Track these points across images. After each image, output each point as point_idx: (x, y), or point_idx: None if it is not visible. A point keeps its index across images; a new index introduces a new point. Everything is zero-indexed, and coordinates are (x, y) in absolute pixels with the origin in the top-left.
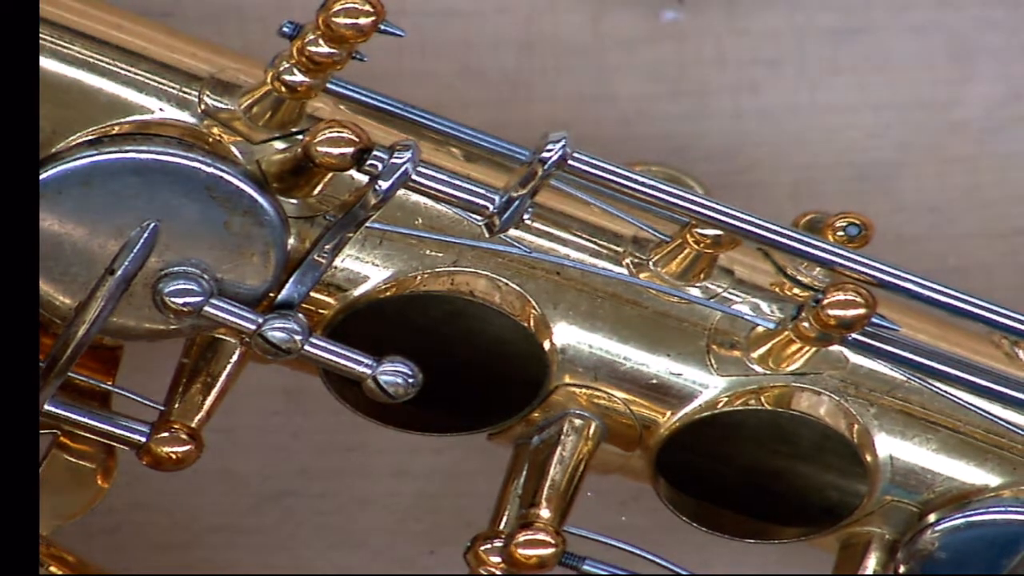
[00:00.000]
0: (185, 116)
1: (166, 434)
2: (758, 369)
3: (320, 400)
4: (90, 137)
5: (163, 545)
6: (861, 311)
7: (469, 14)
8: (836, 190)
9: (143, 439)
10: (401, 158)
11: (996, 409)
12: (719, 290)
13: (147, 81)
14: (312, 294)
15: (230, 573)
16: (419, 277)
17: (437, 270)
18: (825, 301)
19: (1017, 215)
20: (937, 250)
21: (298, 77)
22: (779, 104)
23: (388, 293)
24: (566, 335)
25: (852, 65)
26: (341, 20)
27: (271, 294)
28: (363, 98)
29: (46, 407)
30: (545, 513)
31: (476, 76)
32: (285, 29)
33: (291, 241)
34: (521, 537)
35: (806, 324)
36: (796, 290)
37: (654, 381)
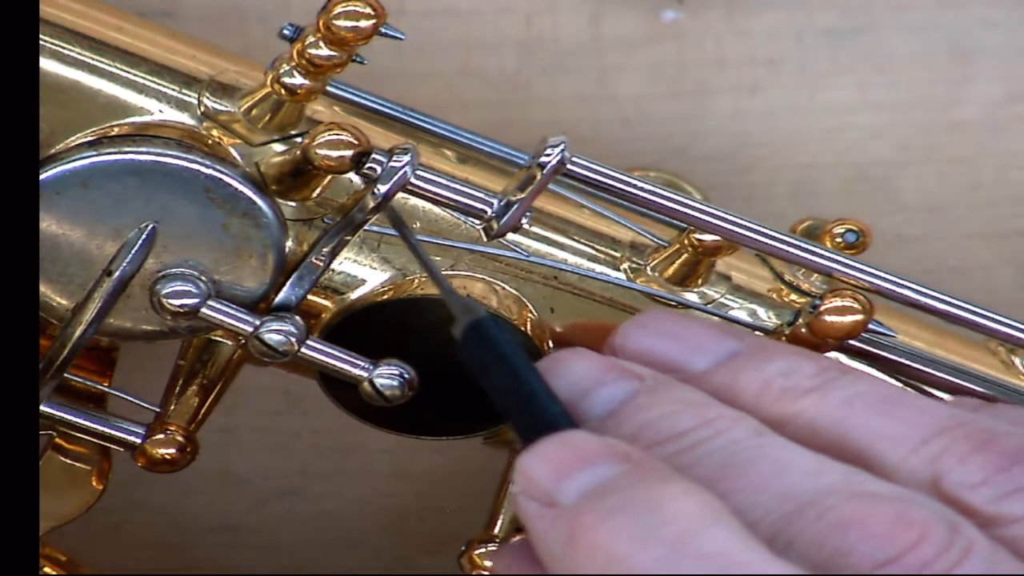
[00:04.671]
0: (184, 118)
1: (161, 436)
2: None
3: (321, 400)
4: (89, 138)
5: (163, 545)
6: (858, 318)
7: (469, 14)
8: (836, 190)
9: (138, 440)
10: (400, 161)
11: None
12: (716, 296)
13: (147, 83)
14: (309, 297)
15: (230, 573)
16: (416, 280)
17: None
18: (822, 307)
19: (1017, 215)
20: (937, 250)
21: (298, 80)
22: (779, 104)
23: (385, 296)
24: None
25: (852, 65)
26: (342, 23)
27: (269, 296)
28: (363, 101)
29: (42, 408)
30: None
31: (476, 76)
32: (285, 31)
33: (289, 243)
34: (515, 541)
35: (803, 330)
36: (793, 296)
37: None
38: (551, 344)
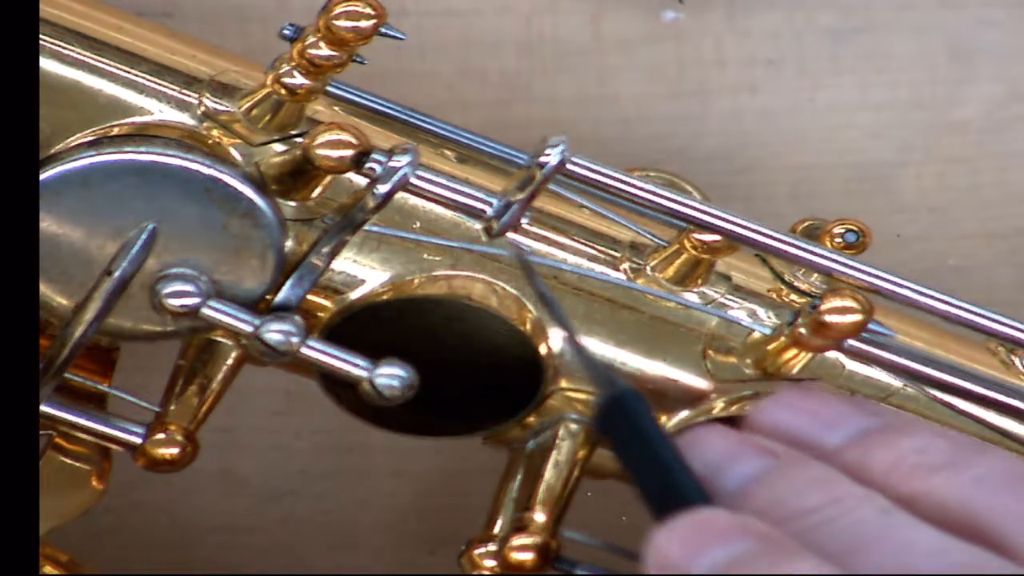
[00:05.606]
0: (185, 118)
1: (161, 436)
2: (754, 375)
3: (321, 400)
4: (89, 138)
5: (163, 545)
6: (858, 317)
7: (469, 14)
8: (836, 190)
9: (139, 440)
10: (400, 161)
11: (991, 417)
12: (716, 295)
13: (147, 83)
14: (309, 297)
15: (230, 573)
16: (416, 280)
17: (434, 273)
18: (822, 307)
19: (1017, 215)
20: (937, 250)
21: (298, 80)
22: (779, 104)
23: (385, 296)
24: (562, 339)
25: (852, 65)
26: (342, 23)
27: (268, 296)
28: (363, 101)
29: (42, 408)
30: (539, 517)
31: (476, 76)
32: (286, 31)
33: (289, 243)
34: (515, 541)
35: (803, 330)
36: (793, 296)
37: (650, 386)
38: None
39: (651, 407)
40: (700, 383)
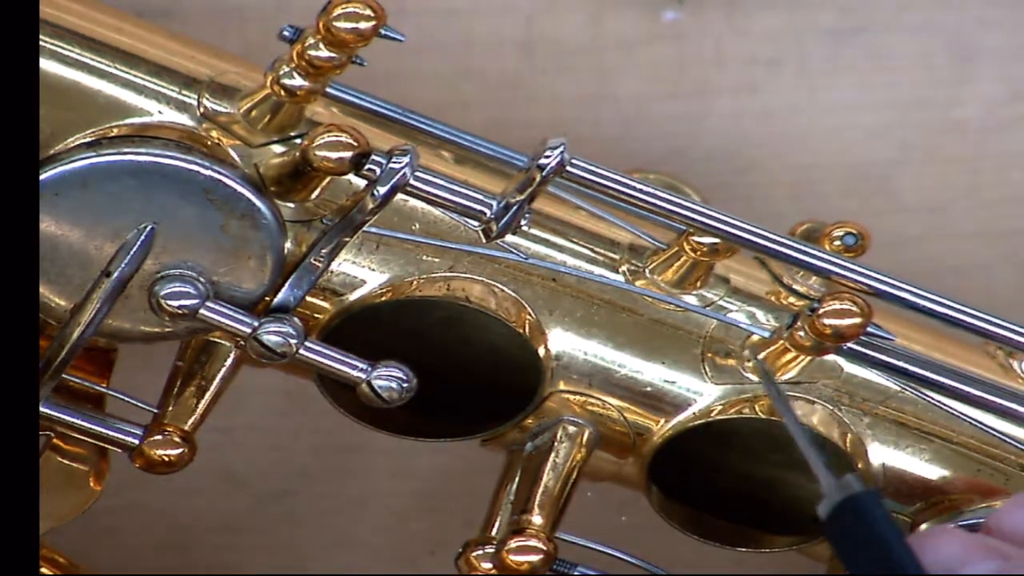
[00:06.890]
0: (184, 119)
1: (159, 437)
2: (753, 378)
3: (320, 400)
4: (88, 139)
5: (163, 545)
6: (857, 320)
7: (469, 14)
8: (836, 190)
9: (136, 441)
10: (399, 163)
11: (990, 420)
12: (715, 298)
13: (146, 84)
14: (308, 298)
15: (230, 573)
16: (415, 282)
17: (433, 275)
18: (821, 310)
19: (1017, 215)
20: (937, 250)
21: (297, 81)
22: (779, 104)
23: (384, 298)
24: (561, 342)
25: (852, 65)
26: (342, 24)
27: (267, 298)
28: (362, 102)
29: (40, 408)
30: (537, 519)
31: (476, 76)
32: (285, 33)
33: (288, 245)
34: (513, 543)
35: (801, 333)
36: (792, 299)
37: (648, 389)
38: None
39: (887, 510)
40: (698, 386)
